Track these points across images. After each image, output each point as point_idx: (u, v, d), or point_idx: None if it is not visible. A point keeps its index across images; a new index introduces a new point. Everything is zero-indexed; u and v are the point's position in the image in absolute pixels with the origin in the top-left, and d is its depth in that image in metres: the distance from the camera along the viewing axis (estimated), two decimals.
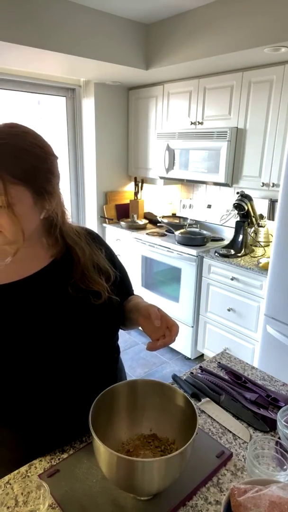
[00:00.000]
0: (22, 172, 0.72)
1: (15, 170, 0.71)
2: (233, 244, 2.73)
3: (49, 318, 0.82)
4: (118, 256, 1.08)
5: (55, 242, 0.88)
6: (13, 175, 0.71)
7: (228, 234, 3.09)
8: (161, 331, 0.84)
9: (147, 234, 3.18)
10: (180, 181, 3.20)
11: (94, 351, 0.88)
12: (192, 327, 2.89)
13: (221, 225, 3.15)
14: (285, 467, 0.78)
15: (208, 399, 1.06)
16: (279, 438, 0.86)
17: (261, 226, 2.80)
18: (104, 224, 3.63)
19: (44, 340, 0.80)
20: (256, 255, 2.67)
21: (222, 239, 3.08)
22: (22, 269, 0.83)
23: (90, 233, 0.99)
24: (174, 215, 3.59)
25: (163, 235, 3.16)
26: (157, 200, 3.80)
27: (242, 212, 2.67)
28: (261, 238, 2.82)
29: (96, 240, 0.98)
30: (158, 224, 3.46)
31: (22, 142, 0.73)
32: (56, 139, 3.55)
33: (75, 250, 0.88)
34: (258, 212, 2.78)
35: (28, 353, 0.78)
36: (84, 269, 0.87)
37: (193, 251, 2.73)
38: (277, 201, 2.09)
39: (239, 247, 2.68)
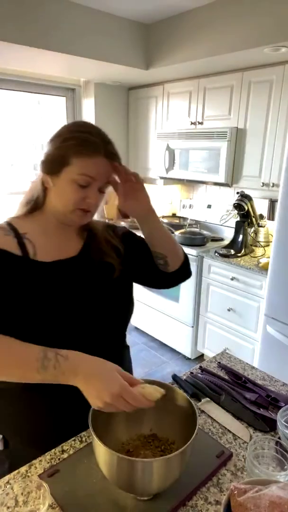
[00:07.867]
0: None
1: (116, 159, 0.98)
2: (233, 244, 2.73)
3: (79, 293, 0.95)
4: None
5: (84, 228, 1.03)
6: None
7: (228, 234, 3.09)
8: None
9: None
10: (180, 181, 3.20)
11: (107, 325, 1.00)
12: (192, 327, 2.89)
13: (221, 225, 3.15)
14: (285, 467, 0.78)
15: (208, 399, 1.06)
16: (279, 438, 0.86)
17: (261, 226, 2.80)
18: None
19: (74, 312, 0.93)
20: (256, 255, 2.67)
21: (222, 239, 3.08)
22: (64, 250, 0.97)
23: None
24: (174, 215, 3.59)
25: None
26: (157, 200, 3.80)
27: (242, 212, 2.66)
28: (261, 238, 2.82)
29: (111, 226, 1.12)
30: None
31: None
32: None
33: (93, 225, 1.05)
34: (258, 212, 2.78)
35: (58, 320, 0.90)
36: (99, 242, 1.02)
37: (193, 251, 2.73)
38: (277, 201, 2.09)
39: (239, 247, 2.68)
